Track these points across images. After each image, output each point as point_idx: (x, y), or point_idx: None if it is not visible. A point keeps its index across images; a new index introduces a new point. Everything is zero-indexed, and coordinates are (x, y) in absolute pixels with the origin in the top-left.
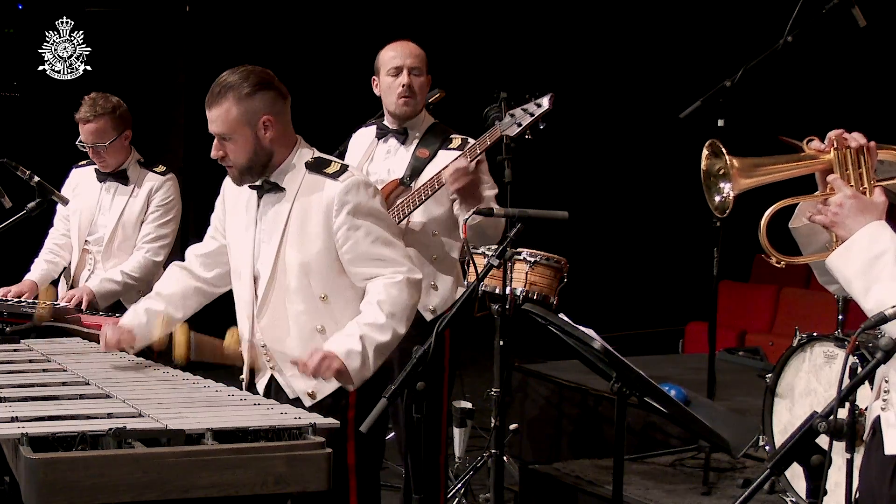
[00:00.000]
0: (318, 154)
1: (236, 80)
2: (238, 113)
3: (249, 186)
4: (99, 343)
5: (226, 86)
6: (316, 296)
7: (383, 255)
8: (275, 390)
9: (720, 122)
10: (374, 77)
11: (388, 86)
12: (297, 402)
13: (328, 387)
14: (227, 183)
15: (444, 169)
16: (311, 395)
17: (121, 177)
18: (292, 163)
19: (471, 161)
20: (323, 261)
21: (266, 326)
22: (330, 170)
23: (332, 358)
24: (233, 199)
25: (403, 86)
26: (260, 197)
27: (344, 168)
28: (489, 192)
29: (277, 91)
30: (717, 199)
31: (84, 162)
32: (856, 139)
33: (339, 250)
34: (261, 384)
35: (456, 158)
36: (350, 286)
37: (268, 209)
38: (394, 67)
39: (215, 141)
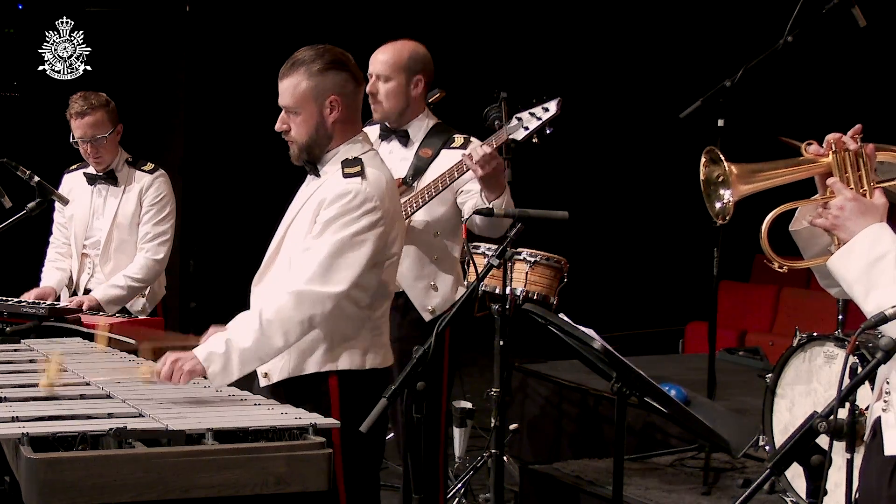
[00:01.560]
0: (365, 155)
1: (310, 55)
2: (307, 87)
3: (304, 165)
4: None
5: (299, 60)
6: None
7: (314, 258)
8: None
9: (720, 122)
10: None
11: None
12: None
13: (280, 369)
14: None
15: (465, 156)
16: (266, 376)
17: (111, 178)
18: (336, 155)
19: (493, 149)
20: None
21: (257, 294)
22: (350, 169)
23: (185, 360)
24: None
25: (367, 91)
26: (307, 177)
27: (359, 173)
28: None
29: (350, 73)
30: (718, 205)
31: (74, 166)
32: (849, 142)
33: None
34: None
35: (481, 145)
36: None
37: (302, 191)
38: (367, 74)
39: (282, 113)
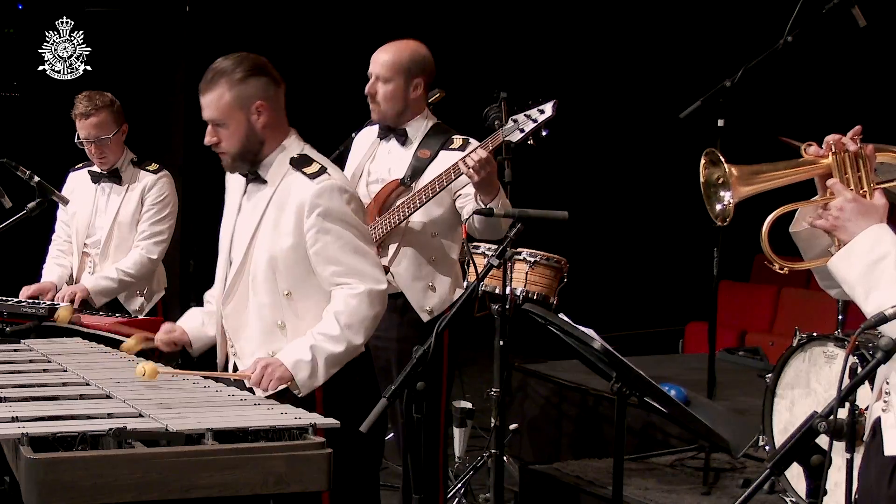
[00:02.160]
0: (305, 150)
1: (229, 65)
2: (231, 98)
3: (241, 174)
4: (99, 343)
5: (219, 71)
6: (280, 291)
7: (349, 263)
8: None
9: (720, 122)
10: None
11: None
12: (253, 390)
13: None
14: (229, 174)
15: (459, 161)
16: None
17: (115, 177)
18: (278, 156)
19: (487, 155)
20: (290, 258)
21: (230, 313)
22: (309, 170)
23: (275, 366)
24: (232, 189)
25: (366, 92)
26: (246, 185)
27: (322, 170)
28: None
29: (271, 77)
30: (718, 207)
31: (80, 165)
32: (849, 143)
33: (309, 252)
34: (229, 368)
35: (476, 149)
36: (317, 287)
37: (250, 198)
38: (368, 74)
39: (209, 127)
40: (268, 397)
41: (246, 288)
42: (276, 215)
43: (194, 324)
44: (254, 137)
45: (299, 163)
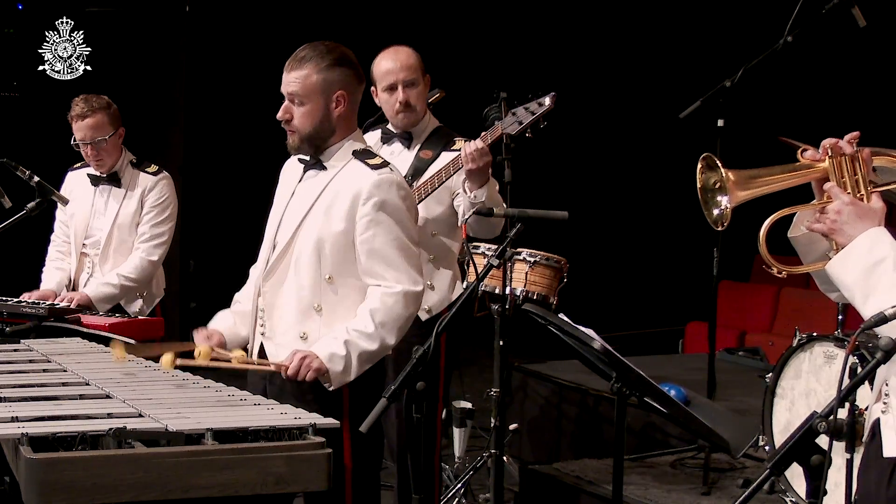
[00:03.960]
0: (368, 147)
1: (322, 50)
2: (317, 80)
3: (299, 159)
4: (99, 343)
5: (309, 55)
6: (323, 275)
7: (392, 259)
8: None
9: (720, 123)
10: (372, 87)
11: (386, 101)
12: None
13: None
14: (286, 166)
15: (455, 157)
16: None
17: (114, 179)
18: (343, 147)
19: (485, 146)
20: (338, 243)
21: (268, 291)
22: (372, 161)
23: (312, 358)
24: (286, 178)
25: (400, 102)
26: (304, 171)
27: (385, 164)
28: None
29: (356, 71)
30: (716, 212)
31: (78, 164)
32: (846, 146)
33: (356, 239)
34: (254, 353)
35: (471, 141)
36: (358, 276)
37: (306, 184)
38: (388, 84)
39: (285, 102)
40: (301, 390)
41: (287, 267)
42: (330, 199)
43: (227, 324)
44: (327, 124)
45: (363, 155)
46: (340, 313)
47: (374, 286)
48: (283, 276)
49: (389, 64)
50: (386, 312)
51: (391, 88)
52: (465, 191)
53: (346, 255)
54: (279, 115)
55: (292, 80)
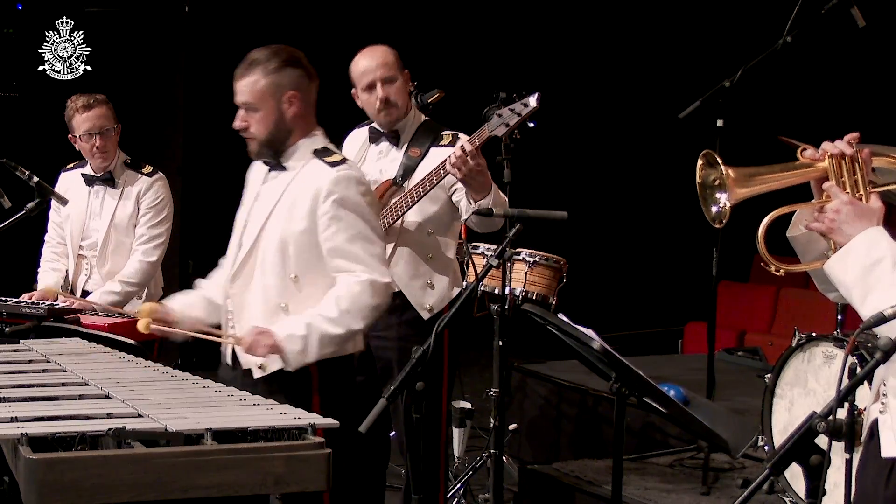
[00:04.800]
0: (328, 145)
1: (267, 54)
2: (265, 84)
3: (263, 162)
4: (99, 343)
5: (256, 59)
6: (288, 274)
7: (356, 253)
8: (232, 360)
9: (719, 123)
10: (353, 90)
11: (366, 101)
12: (248, 373)
13: (278, 362)
14: (252, 166)
15: (444, 161)
16: (261, 368)
17: (108, 179)
18: (302, 147)
19: (472, 149)
20: (302, 242)
21: (235, 293)
22: (331, 159)
23: (268, 335)
24: (252, 180)
25: (380, 100)
26: (268, 173)
27: (343, 160)
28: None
29: (305, 70)
30: (714, 209)
31: (71, 165)
32: (843, 147)
33: (319, 237)
34: (227, 353)
35: (458, 146)
36: (324, 274)
37: (269, 185)
38: (366, 83)
39: (240, 111)
40: (269, 376)
41: (254, 270)
42: (292, 199)
43: (180, 302)
44: (282, 126)
45: (322, 153)
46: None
47: (341, 275)
48: (250, 278)
49: (365, 63)
50: (351, 299)
51: (370, 87)
52: (469, 200)
53: (310, 254)
54: (235, 125)
55: (242, 88)
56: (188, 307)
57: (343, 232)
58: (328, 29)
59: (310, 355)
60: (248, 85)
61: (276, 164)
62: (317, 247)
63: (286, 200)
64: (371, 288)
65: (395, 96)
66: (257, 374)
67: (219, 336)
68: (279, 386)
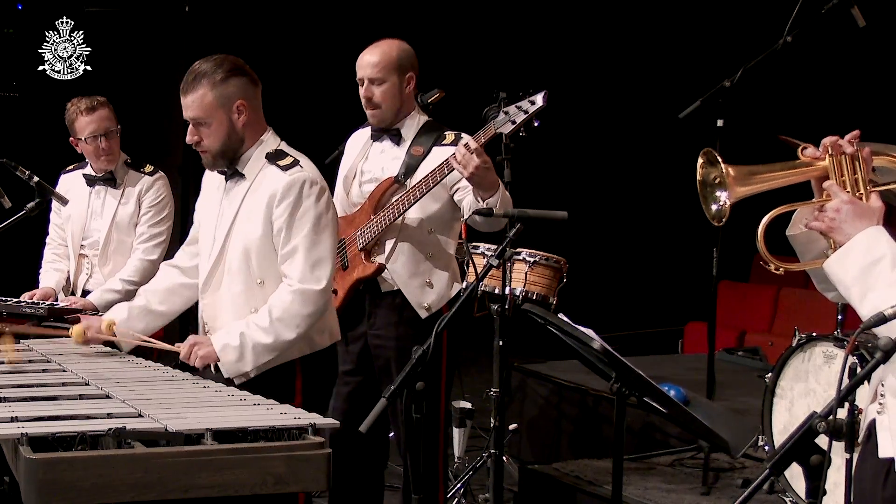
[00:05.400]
0: (281, 146)
1: (210, 66)
2: (214, 97)
3: (219, 172)
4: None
5: (200, 73)
6: (254, 280)
7: (297, 258)
8: (214, 367)
9: (719, 123)
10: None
11: (361, 96)
12: (230, 382)
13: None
14: (207, 173)
15: (450, 157)
16: (245, 374)
17: (109, 179)
18: (255, 152)
19: (476, 145)
20: (263, 247)
21: (207, 304)
22: (283, 162)
23: (204, 345)
24: (209, 186)
25: (363, 98)
26: (226, 182)
27: (295, 162)
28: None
29: (249, 77)
30: (714, 207)
31: (71, 167)
32: (846, 145)
33: (273, 241)
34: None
35: (465, 143)
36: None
37: (229, 195)
38: (358, 79)
39: (190, 127)
40: (248, 382)
41: (222, 279)
42: (250, 207)
43: (120, 316)
44: (234, 135)
45: (274, 157)
46: None
47: (283, 282)
48: (219, 286)
49: (360, 60)
50: (283, 308)
51: (360, 84)
52: (477, 199)
53: (272, 258)
54: (188, 140)
55: (189, 104)
56: (129, 319)
57: (289, 239)
58: (328, 29)
59: (246, 364)
60: (195, 100)
61: (232, 172)
62: (275, 251)
63: (245, 208)
64: (301, 297)
65: (379, 97)
66: (238, 380)
67: (159, 346)
68: (262, 393)
